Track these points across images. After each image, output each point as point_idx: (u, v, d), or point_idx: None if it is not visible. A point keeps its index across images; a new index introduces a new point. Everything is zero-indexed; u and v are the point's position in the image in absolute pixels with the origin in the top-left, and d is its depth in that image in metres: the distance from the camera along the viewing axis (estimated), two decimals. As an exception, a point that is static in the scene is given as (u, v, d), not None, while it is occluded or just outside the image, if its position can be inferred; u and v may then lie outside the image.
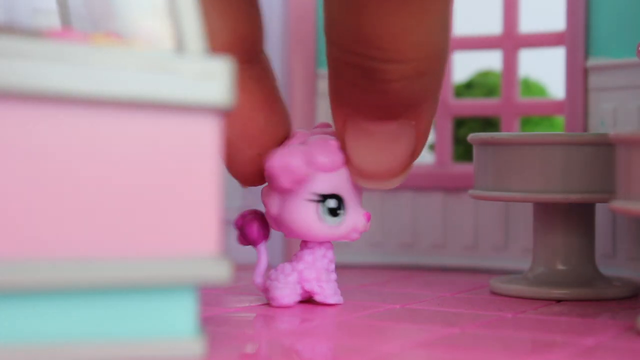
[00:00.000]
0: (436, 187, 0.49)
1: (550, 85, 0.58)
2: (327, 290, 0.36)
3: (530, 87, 0.57)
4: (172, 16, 0.27)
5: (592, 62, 0.45)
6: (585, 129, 0.45)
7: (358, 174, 0.35)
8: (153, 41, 0.27)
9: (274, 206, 0.36)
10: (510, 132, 0.48)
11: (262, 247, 0.37)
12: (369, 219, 0.36)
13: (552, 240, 0.40)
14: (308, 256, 0.36)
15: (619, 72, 0.44)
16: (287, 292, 0.36)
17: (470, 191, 0.41)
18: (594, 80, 0.45)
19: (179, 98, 0.26)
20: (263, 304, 0.36)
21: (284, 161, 0.34)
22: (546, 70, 0.58)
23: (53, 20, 0.34)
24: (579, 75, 0.45)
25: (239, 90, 0.33)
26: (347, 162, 0.35)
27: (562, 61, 0.46)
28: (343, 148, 0.35)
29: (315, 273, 0.36)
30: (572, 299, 0.38)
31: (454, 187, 0.49)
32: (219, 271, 0.26)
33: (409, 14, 0.31)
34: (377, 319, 0.34)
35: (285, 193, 0.35)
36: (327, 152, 0.35)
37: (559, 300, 0.38)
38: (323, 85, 0.49)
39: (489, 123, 0.54)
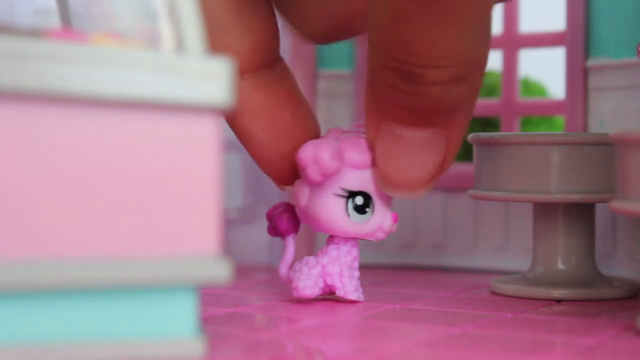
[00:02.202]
0: (436, 187, 0.49)
1: (550, 85, 0.58)
2: (348, 286, 0.36)
3: (530, 87, 0.57)
4: (172, 16, 0.27)
5: (592, 62, 0.45)
6: (585, 129, 0.45)
7: (385, 180, 0.35)
8: (153, 41, 0.27)
9: (303, 199, 0.36)
10: (510, 132, 0.48)
11: (291, 239, 0.38)
12: (396, 220, 0.37)
13: (552, 240, 0.40)
14: (333, 251, 0.36)
15: (619, 72, 0.44)
16: (309, 283, 0.36)
17: (470, 191, 0.41)
18: (594, 80, 0.45)
19: (178, 98, 0.26)
20: (263, 304, 0.36)
21: (314, 153, 0.35)
22: (546, 70, 0.58)
23: (53, 20, 0.34)
24: (579, 75, 0.45)
25: (263, 92, 0.35)
26: (375, 168, 0.35)
27: (562, 61, 0.46)
28: (373, 152, 0.35)
29: (339, 268, 0.36)
30: (572, 299, 0.38)
31: (454, 187, 0.49)
32: (219, 271, 0.26)
33: (448, 25, 0.31)
34: (377, 319, 0.34)
35: (314, 186, 0.36)
36: (358, 150, 0.35)
37: (559, 301, 0.38)
38: (323, 85, 0.49)
39: (489, 123, 0.54)
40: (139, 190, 0.26)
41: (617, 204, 0.31)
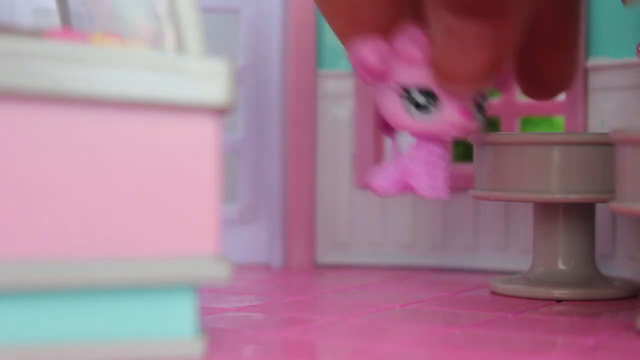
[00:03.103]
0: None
1: (550, 85, 0.58)
2: (422, 182, 0.36)
3: (530, 87, 0.57)
4: (172, 17, 0.27)
5: (592, 62, 0.45)
6: (585, 129, 0.45)
7: (437, 72, 0.34)
8: (153, 41, 0.27)
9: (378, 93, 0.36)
10: (510, 132, 0.48)
11: (397, 136, 0.36)
12: (465, 114, 0.35)
13: (552, 240, 0.40)
14: (411, 149, 0.36)
15: (619, 72, 0.44)
16: (385, 177, 0.36)
17: (471, 191, 0.41)
18: (594, 80, 0.45)
19: (178, 98, 0.26)
20: (263, 304, 0.36)
21: (359, 55, 0.34)
22: (546, 70, 0.58)
23: (53, 20, 0.34)
24: (579, 75, 0.45)
25: None
26: (430, 59, 0.34)
27: (562, 61, 0.46)
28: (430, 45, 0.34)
29: (416, 167, 0.36)
30: (572, 299, 0.38)
31: (454, 187, 0.49)
32: (219, 271, 0.26)
33: None
34: (377, 318, 0.34)
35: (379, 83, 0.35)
36: (413, 43, 0.34)
37: (559, 300, 0.38)
38: (323, 85, 0.49)
39: (489, 123, 0.54)
40: (139, 190, 0.26)
41: (617, 204, 0.31)
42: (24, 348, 0.25)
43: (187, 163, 0.26)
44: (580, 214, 0.40)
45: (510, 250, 0.48)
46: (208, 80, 0.26)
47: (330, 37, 0.49)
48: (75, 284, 0.25)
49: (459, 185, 0.48)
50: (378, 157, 0.49)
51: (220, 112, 0.26)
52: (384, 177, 0.36)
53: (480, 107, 0.36)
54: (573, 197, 0.38)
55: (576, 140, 0.38)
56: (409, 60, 0.34)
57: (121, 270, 0.25)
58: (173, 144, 0.26)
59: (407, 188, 0.36)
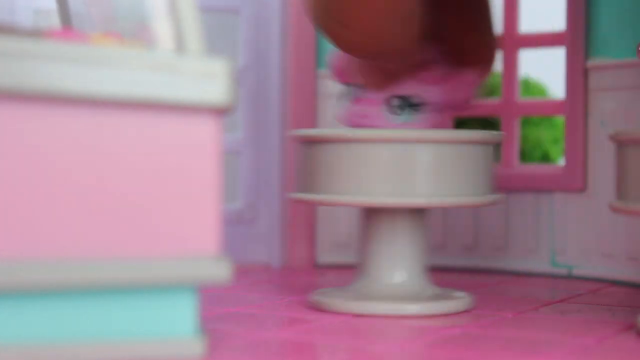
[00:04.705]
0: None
1: (550, 85, 0.58)
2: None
3: (530, 87, 0.57)
4: (172, 16, 0.27)
5: (592, 62, 0.45)
6: (585, 129, 0.45)
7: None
8: (153, 41, 0.27)
9: None
10: (510, 132, 0.48)
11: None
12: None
13: (379, 249, 0.35)
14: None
15: (619, 72, 0.44)
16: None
17: (289, 194, 0.37)
18: (594, 80, 0.45)
19: (178, 98, 0.26)
20: (263, 304, 0.36)
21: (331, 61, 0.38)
22: (546, 70, 0.58)
23: (53, 20, 0.34)
24: (579, 75, 0.45)
25: None
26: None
27: (562, 61, 0.46)
28: None
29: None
30: (404, 315, 0.34)
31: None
32: (219, 271, 0.26)
33: None
34: (377, 318, 0.34)
35: None
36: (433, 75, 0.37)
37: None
38: (323, 85, 0.49)
39: (489, 123, 0.54)
40: (139, 190, 0.26)
41: (617, 204, 0.31)
42: (24, 348, 0.25)
43: (187, 163, 0.26)
44: (411, 220, 0.36)
45: (511, 250, 0.48)
46: (208, 80, 0.26)
47: (330, 37, 0.49)
48: (75, 284, 0.25)
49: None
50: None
51: (220, 112, 0.26)
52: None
53: (408, 106, 0.36)
54: (402, 201, 0.34)
55: (400, 138, 0.34)
56: (424, 81, 0.36)
57: (121, 270, 0.25)
58: (173, 143, 0.26)
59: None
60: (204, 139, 0.26)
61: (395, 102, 0.36)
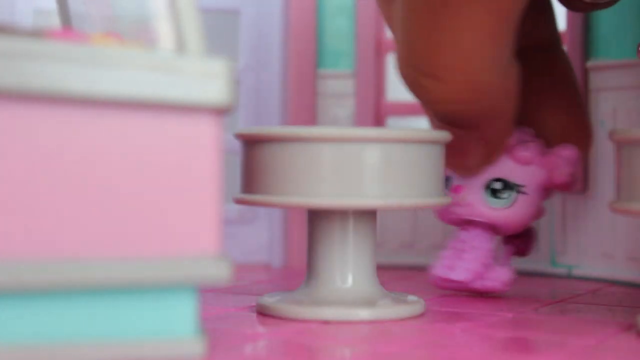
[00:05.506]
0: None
1: (550, 85, 0.58)
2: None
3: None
4: (172, 17, 0.27)
5: (592, 62, 0.45)
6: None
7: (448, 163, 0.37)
8: (153, 41, 0.27)
9: None
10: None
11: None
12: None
13: (329, 253, 0.34)
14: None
15: (619, 72, 0.44)
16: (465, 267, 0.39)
17: (234, 195, 0.35)
18: (594, 80, 0.45)
19: (178, 98, 0.26)
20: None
21: None
22: (546, 71, 0.57)
23: (53, 20, 0.34)
24: (579, 75, 0.45)
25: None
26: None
27: (562, 61, 0.46)
28: None
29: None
30: (356, 321, 0.33)
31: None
32: (219, 271, 0.26)
33: (444, 30, 0.32)
34: (377, 318, 0.34)
35: None
36: (527, 147, 0.38)
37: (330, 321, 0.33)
38: (323, 85, 0.49)
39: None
40: (139, 190, 0.26)
41: (617, 204, 0.31)
42: (24, 348, 0.25)
43: (187, 163, 0.26)
44: (364, 222, 0.34)
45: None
46: (208, 80, 0.26)
47: (330, 38, 0.49)
48: (75, 284, 0.25)
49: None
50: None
51: (220, 112, 0.26)
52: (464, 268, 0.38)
53: (510, 188, 0.38)
54: (351, 201, 0.32)
55: (351, 136, 0.32)
56: (520, 160, 0.37)
57: (121, 270, 0.25)
58: (173, 143, 0.26)
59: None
60: (204, 139, 0.26)
61: (497, 185, 0.37)
